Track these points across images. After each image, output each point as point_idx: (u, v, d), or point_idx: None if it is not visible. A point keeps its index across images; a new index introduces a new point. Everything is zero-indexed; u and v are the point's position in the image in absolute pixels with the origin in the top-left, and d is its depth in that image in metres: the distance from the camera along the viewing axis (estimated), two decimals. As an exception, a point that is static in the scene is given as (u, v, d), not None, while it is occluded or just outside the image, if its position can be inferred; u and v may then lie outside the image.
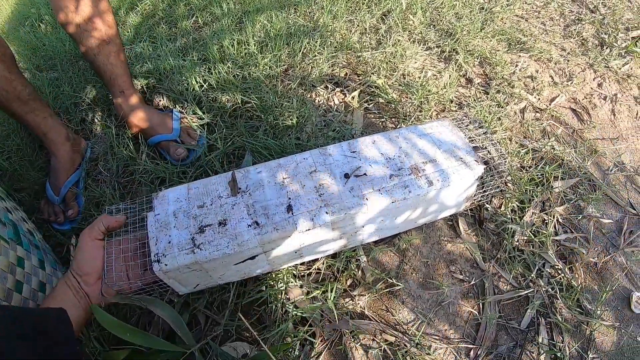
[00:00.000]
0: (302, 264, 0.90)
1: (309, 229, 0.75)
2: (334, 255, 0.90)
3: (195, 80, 1.22)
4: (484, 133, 0.92)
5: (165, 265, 0.73)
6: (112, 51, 1.09)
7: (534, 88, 1.17)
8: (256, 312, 0.86)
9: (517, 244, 0.95)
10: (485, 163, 0.87)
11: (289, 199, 0.78)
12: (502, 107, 1.10)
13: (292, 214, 0.76)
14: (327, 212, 0.76)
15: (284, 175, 0.82)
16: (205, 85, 1.22)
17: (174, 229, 0.78)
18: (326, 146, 0.86)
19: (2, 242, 0.74)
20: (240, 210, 0.78)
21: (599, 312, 0.89)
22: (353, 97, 1.12)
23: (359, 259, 0.91)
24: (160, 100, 1.26)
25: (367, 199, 0.77)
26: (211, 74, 1.23)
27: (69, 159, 1.11)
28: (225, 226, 0.77)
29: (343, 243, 0.86)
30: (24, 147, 1.19)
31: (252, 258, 0.78)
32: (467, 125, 0.93)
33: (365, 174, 0.81)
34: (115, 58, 1.10)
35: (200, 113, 1.17)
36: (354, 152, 0.85)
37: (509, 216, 0.96)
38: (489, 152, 0.91)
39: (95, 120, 1.26)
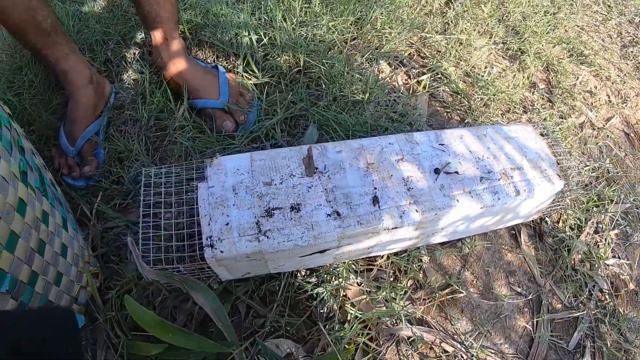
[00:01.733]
0: (363, 258, 0.82)
1: (395, 227, 0.67)
2: (396, 252, 0.83)
3: (255, 32, 1.08)
4: (556, 145, 0.87)
5: (221, 252, 0.62)
6: None
7: (592, 104, 1.14)
8: (306, 307, 0.77)
9: (573, 262, 0.92)
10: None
11: (375, 189, 0.70)
12: (564, 119, 1.07)
13: (379, 207, 0.68)
14: (417, 210, 0.68)
15: (369, 160, 0.73)
16: (265, 40, 1.08)
17: (234, 208, 0.66)
18: (412, 133, 0.78)
19: (29, 190, 0.60)
20: (318, 194, 0.69)
21: (637, 342, 0.88)
22: (420, 82, 1.04)
23: (421, 259, 0.84)
24: (200, 51, 1.11)
25: (457, 200, 0.70)
26: (273, 27, 1.09)
27: (90, 104, 0.95)
28: (299, 212, 0.67)
29: (414, 242, 0.78)
30: (37, 85, 1.02)
31: (322, 251, 0.69)
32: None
33: (456, 172, 0.73)
34: None
35: (255, 70, 1.03)
36: (442, 144, 0.77)
37: (567, 233, 0.93)
38: (561, 165, 0.87)
39: (124, 62, 1.10)
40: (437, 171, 0.73)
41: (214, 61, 1.11)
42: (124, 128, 0.98)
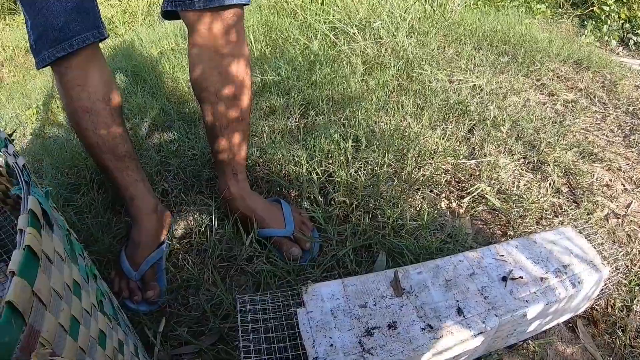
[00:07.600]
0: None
1: (480, 332, 0.82)
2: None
3: (315, 171, 1.27)
4: (592, 239, 1.05)
5: (330, 371, 0.74)
6: (240, 129, 1.06)
7: (611, 196, 1.35)
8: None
9: (629, 340, 1.05)
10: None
11: (457, 301, 0.87)
12: (591, 215, 1.26)
13: (464, 316, 0.84)
14: (496, 315, 0.84)
15: (446, 277, 0.91)
16: (323, 178, 1.29)
17: (335, 330, 0.79)
18: (476, 249, 0.97)
19: (106, 319, 0.61)
20: (410, 312, 0.84)
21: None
22: (460, 205, 1.26)
23: (497, 366, 0.97)
24: (255, 186, 1.31)
25: (526, 301, 0.87)
26: (328, 163, 1.29)
27: (154, 230, 1.05)
28: (396, 329, 0.81)
29: (491, 346, 0.92)
30: (97, 206, 1.15)
31: (417, 365, 0.83)
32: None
33: (520, 277, 0.91)
34: (241, 138, 1.07)
35: (320, 201, 1.21)
36: (502, 255, 0.96)
37: (618, 315, 1.08)
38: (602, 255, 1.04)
39: (182, 194, 1.26)
40: (504, 279, 0.91)
41: (270, 195, 1.29)
42: (188, 257, 1.10)
